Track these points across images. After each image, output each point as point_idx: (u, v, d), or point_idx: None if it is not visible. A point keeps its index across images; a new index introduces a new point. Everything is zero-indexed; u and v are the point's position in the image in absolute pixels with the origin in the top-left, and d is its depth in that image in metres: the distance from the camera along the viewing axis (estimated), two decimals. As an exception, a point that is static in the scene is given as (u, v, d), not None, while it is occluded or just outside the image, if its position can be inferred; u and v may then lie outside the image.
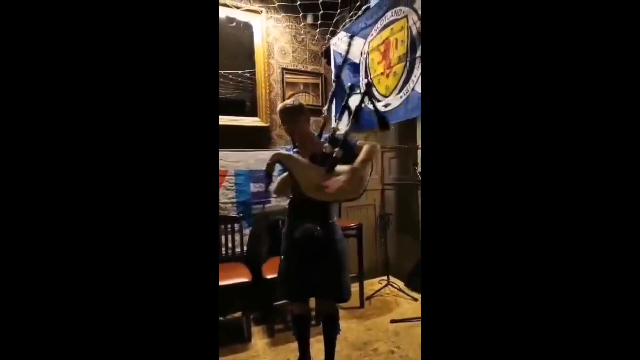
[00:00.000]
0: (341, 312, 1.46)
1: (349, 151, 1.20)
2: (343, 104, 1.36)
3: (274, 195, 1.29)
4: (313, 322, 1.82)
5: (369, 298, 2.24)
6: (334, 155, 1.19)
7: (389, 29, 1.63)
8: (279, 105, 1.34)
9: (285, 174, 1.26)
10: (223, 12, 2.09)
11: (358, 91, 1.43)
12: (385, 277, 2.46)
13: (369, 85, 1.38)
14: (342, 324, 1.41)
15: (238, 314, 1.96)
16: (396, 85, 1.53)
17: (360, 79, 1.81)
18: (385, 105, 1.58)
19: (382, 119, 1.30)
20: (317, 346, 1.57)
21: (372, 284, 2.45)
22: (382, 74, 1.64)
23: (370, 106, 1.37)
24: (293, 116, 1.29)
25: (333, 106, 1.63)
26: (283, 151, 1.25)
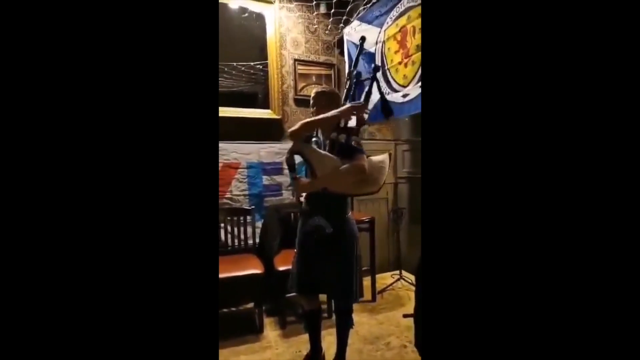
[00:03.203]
0: (354, 306, 1.45)
1: (346, 141, 1.20)
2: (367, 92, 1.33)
3: (295, 192, 1.29)
4: (325, 315, 1.82)
5: (381, 292, 2.23)
6: (345, 142, 1.19)
7: (405, 16, 1.58)
8: (315, 89, 1.36)
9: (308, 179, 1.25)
10: (235, 3, 2.07)
11: (365, 77, 1.40)
12: (397, 272, 2.44)
13: (376, 69, 1.34)
14: (354, 317, 1.40)
15: (250, 305, 1.97)
16: (415, 75, 1.49)
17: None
18: (404, 96, 1.53)
19: (385, 104, 1.26)
20: (328, 339, 1.57)
21: (385, 278, 2.43)
22: (399, 63, 1.59)
23: (386, 95, 1.34)
24: (325, 101, 1.29)
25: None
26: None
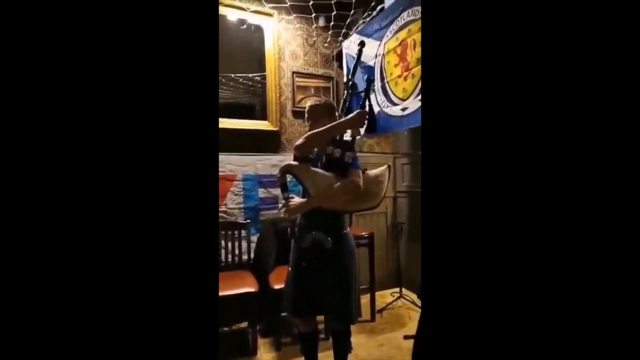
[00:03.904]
0: (352, 327, 1.37)
1: (341, 156, 1.13)
2: (361, 104, 1.29)
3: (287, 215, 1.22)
4: (322, 336, 1.73)
5: (380, 311, 2.14)
6: (339, 157, 1.13)
7: (405, 30, 1.56)
8: (309, 102, 1.30)
9: (303, 200, 1.19)
10: (234, 15, 2.07)
11: (360, 90, 1.35)
12: (397, 289, 2.36)
13: (370, 81, 1.29)
14: (352, 340, 1.32)
15: (243, 325, 1.88)
16: (414, 88, 1.46)
17: (375, 82, 1.74)
18: (403, 109, 1.50)
19: (372, 118, 1.21)
20: (326, 362, 1.48)
21: (384, 296, 2.35)
22: (399, 76, 1.57)
23: (384, 109, 1.29)
24: (320, 113, 1.24)
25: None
26: (292, 162, 1.19)
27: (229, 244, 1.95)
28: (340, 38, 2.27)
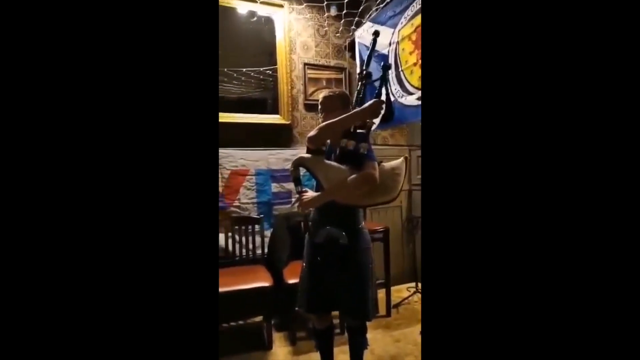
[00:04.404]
0: (367, 322, 1.35)
1: (355, 148, 1.08)
2: (377, 93, 1.23)
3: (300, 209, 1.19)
4: (337, 331, 1.72)
5: (396, 306, 2.10)
6: (353, 149, 1.08)
7: (421, 15, 1.49)
8: (322, 93, 1.26)
9: (317, 194, 1.16)
10: (244, 7, 2.04)
11: (375, 78, 1.29)
12: (413, 284, 2.31)
13: (386, 68, 1.22)
14: (367, 334, 1.29)
15: (258, 319, 1.89)
16: (432, 76, 1.39)
17: (390, 70, 1.68)
18: (419, 99, 1.44)
19: (389, 107, 1.13)
20: (341, 357, 1.47)
21: (400, 291, 2.31)
22: (414, 64, 1.51)
23: (399, 98, 1.23)
24: (334, 104, 1.20)
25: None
26: (304, 154, 1.15)
27: (243, 239, 1.95)
28: (353, 27, 2.20)
